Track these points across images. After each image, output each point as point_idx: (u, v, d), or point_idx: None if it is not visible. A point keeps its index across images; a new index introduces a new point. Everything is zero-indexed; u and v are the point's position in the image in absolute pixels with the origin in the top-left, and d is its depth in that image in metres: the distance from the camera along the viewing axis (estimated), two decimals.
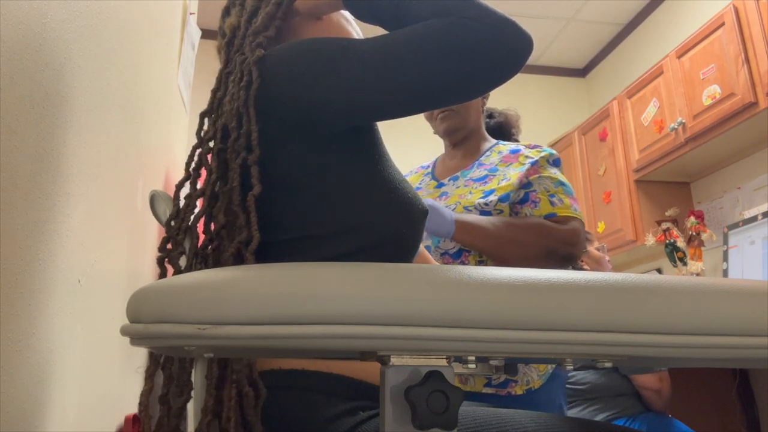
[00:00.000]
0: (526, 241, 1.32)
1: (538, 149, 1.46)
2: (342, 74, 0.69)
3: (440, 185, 1.50)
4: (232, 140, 0.73)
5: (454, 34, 0.67)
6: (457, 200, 1.40)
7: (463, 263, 1.37)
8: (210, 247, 0.72)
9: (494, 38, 0.67)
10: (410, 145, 3.40)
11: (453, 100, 0.74)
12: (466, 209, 1.36)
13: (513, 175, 1.39)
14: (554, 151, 1.47)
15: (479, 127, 1.55)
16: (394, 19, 0.73)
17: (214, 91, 0.82)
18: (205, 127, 0.80)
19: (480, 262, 1.37)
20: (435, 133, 1.56)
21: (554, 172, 1.43)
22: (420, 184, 1.56)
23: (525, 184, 1.39)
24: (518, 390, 1.31)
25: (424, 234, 1.21)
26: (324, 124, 0.72)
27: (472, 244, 1.33)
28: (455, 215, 1.30)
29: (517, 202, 1.39)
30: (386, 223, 0.74)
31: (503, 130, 1.68)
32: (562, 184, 1.42)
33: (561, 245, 1.34)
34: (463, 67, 0.67)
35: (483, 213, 1.35)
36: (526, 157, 1.43)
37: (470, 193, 1.40)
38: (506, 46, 0.68)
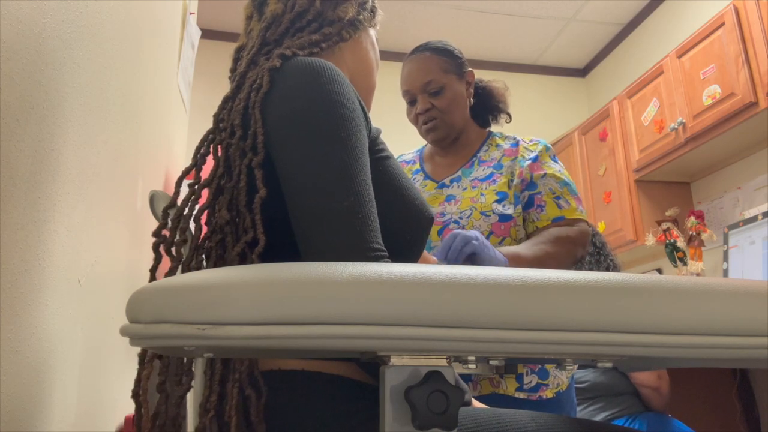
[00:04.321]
0: (560, 255, 1.32)
1: (535, 142, 1.43)
2: (302, 150, 0.69)
3: (441, 186, 1.42)
4: (237, 138, 0.73)
5: None
6: (471, 205, 1.35)
7: None
8: (211, 240, 0.72)
9: None
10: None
11: None
12: (484, 214, 1.33)
13: (516, 171, 1.37)
14: (549, 144, 1.45)
15: (468, 122, 1.48)
16: None
17: (241, 74, 0.80)
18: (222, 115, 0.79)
19: None
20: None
21: (558, 169, 1.41)
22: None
23: (529, 185, 1.37)
24: (549, 393, 1.30)
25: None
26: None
27: None
28: (504, 253, 1.24)
29: (522, 207, 1.37)
30: (392, 230, 0.73)
31: (487, 104, 1.53)
32: (566, 183, 1.39)
33: (579, 249, 1.36)
34: None
35: (502, 217, 1.33)
36: (526, 149, 1.41)
37: (482, 195, 1.36)
38: None
